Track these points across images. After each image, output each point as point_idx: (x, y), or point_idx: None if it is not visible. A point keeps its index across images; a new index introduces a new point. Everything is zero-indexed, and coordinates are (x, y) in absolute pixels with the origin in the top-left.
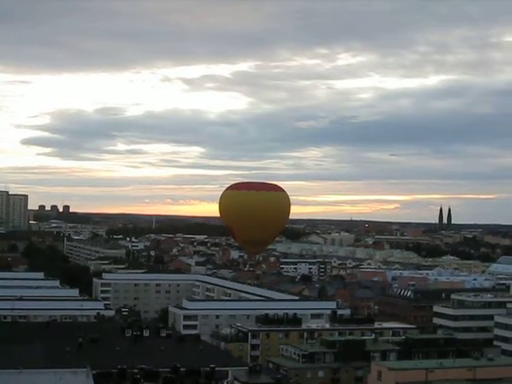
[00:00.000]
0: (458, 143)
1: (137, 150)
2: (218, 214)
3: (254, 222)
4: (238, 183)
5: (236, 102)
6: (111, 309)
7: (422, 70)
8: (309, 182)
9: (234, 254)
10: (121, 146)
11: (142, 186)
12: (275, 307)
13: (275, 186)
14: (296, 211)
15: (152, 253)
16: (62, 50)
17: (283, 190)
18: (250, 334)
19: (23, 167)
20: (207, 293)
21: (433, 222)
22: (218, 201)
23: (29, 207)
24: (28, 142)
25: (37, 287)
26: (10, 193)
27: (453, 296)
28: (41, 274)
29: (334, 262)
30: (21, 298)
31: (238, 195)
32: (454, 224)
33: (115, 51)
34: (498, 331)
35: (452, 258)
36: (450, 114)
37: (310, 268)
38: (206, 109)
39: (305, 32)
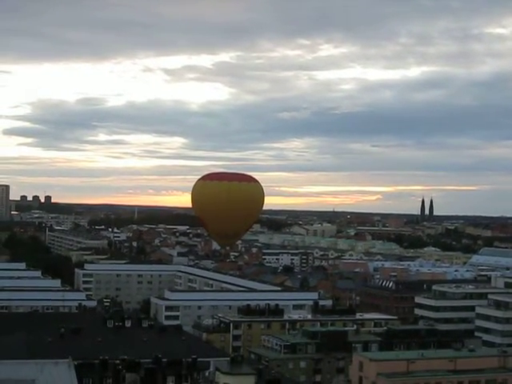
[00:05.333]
0: (440, 135)
1: (118, 140)
2: None
3: (225, 214)
4: (210, 173)
5: (218, 93)
6: (93, 299)
7: (403, 62)
8: (291, 173)
9: (216, 245)
10: (102, 137)
11: (124, 177)
12: (257, 298)
13: (248, 176)
14: (278, 202)
15: (134, 243)
16: (43, 40)
17: (256, 181)
18: (231, 324)
19: (4, 157)
20: (189, 283)
21: (415, 213)
22: (191, 191)
23: (10, 198)
24: (9, 132)
25: (18, 278)
26: None
27: (434, 287)
28: (22, 265)
29: (316, 253)
30: (2, 289)
31: (210, 186)
32: (435, 215)
33: (96, 41)
34: (479, 322)
35: (434, 249)
36: (432, 105)
37: (292, 259)
38: (187, 99)
39: (286, 23)
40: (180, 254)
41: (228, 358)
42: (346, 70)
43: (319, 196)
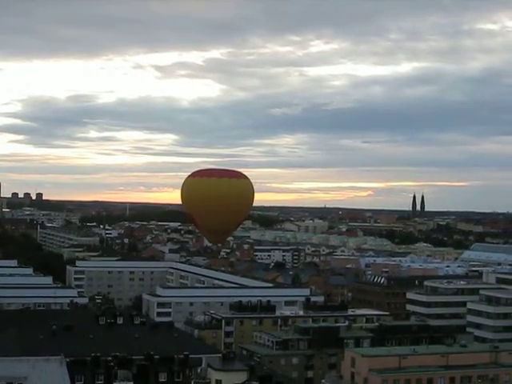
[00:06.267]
0: (431, 130)
1: (109, 137)
2: None
3: (215, 210)
4: (199, 170)
5: (209, 90)
6: (85, 296)
7: (394, 58)
8: (282, 169)
9: (208, 242)
10: (93, 134)
11: (116, 174)
12: (249, 294)
13: (238, 172)
14: (269, 198)
15: (126, 240)
16: (34, 37)
17: (246, 177)
18: (223, 321)
19: None
20: (181, 280)
21: (406, 209)
22: (180, 188)
23: (2, 195)
24: (0, 129)
25: (10, 275)
26: None
27: (426, 283)
28: (14, 262)
29: (308, 249)
30: None
31: (199, 182)
32: (427, 211)
33: (87, 38)
34: (470, 318)
35: (425, 245)
36: (423, 101)
37: (283, 255)
38: (178, 96)
39: (276, 19)
40: (171, 251)
41: (220, 355)
42: (336, 66)
43: (310, 192)
